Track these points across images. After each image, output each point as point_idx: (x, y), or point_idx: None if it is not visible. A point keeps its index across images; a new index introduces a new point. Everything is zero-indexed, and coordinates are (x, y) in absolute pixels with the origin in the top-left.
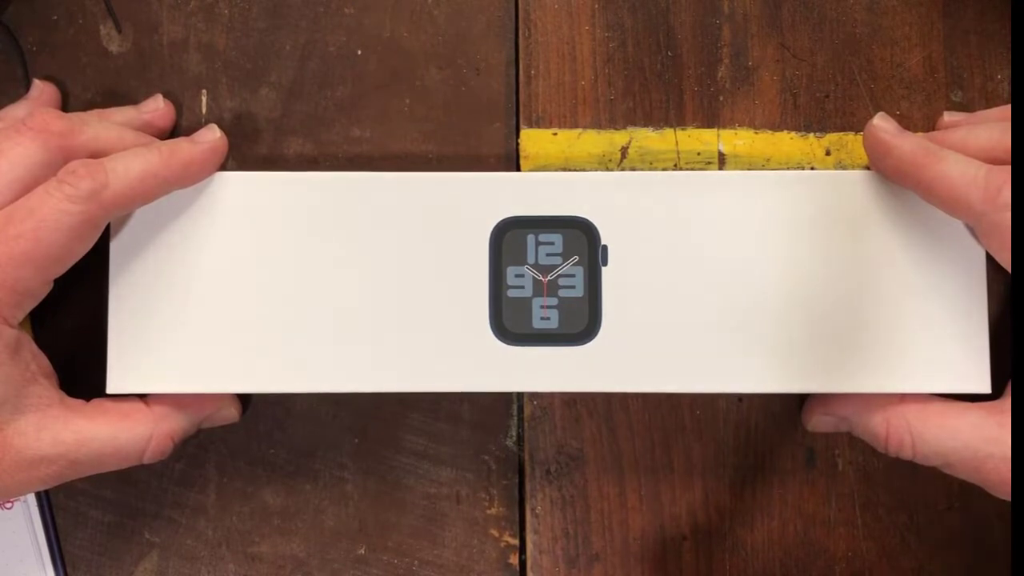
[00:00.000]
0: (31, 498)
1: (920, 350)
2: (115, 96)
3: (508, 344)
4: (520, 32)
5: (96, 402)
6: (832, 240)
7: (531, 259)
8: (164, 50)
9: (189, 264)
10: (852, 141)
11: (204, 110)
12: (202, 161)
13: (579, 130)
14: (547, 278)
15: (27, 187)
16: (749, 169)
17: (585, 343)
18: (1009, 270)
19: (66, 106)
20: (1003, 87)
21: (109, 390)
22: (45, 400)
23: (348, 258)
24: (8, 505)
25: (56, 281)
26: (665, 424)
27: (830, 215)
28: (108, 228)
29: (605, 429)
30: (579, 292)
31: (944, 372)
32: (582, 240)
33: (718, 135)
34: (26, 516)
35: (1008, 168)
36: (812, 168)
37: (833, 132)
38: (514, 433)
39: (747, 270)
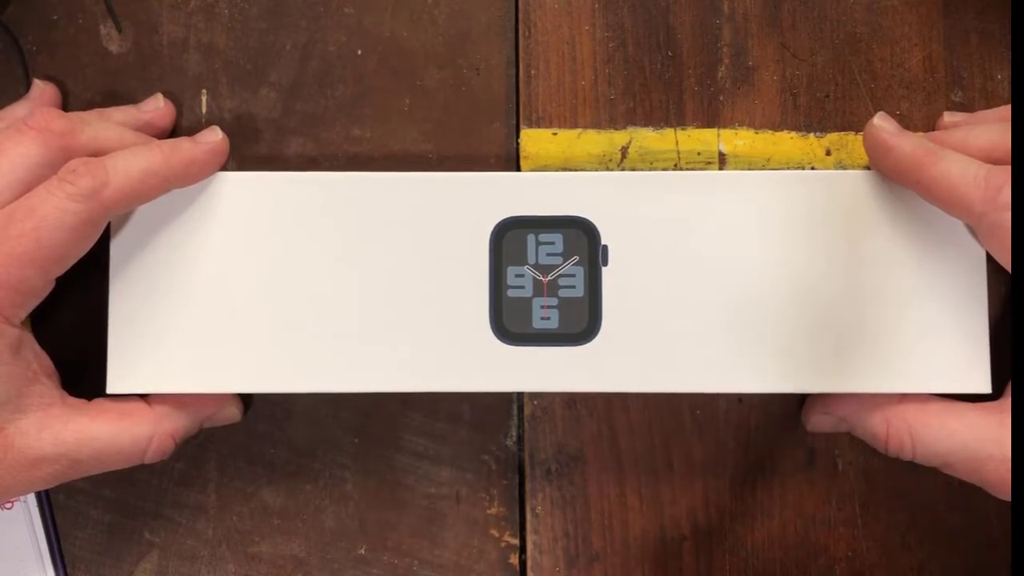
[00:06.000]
0: (31, 498)
1: (920, 350)
2: (115, 96)
3: (508, 344)
4: (520, 32)
5: (97, 402)
6: (832, 240)
7: (531, 259)
8: (164, 50)
9: (189, 264)
10: (852, 141)
11: (204, 110)
12: (203, 161)
13: (579, 130)
14: (547, 278)
15: (28, 186)
16: (749, 169)
17: (585, 343)
18: (1009, 270)
19: (66, 106)
20: (1003, 87)
21: (109, 390)
22: (47, 399)
23: (348, 258)
24: (8, 505)
25: (56, 280)
26: (665, 424)
27: (830, 215)
28: (108, 227)
29: (605, 429)
30: (579, 292)
31: (944, 372)
32: (582, 240)
33: (718, 135)
34: (26, 516)
35: (1008, 168)
36: (812, 168)
37: (833, 132)
38: (514, 433)
39: (747, 270)
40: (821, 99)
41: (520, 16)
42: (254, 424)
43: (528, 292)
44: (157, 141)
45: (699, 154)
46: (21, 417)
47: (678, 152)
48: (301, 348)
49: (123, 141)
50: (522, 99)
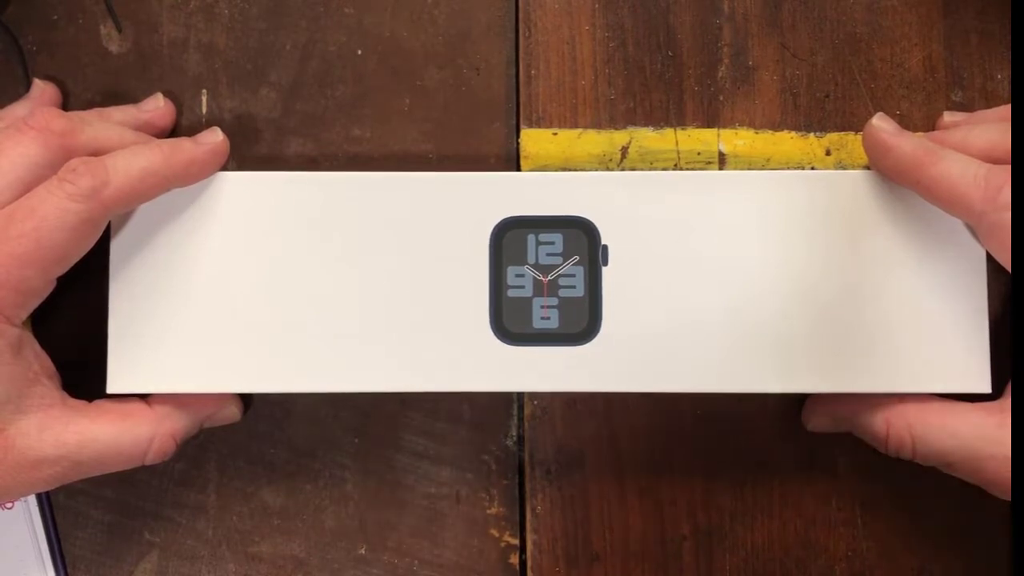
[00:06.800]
0: (31, 498)
1: (920, 350)
2: (115, 96)
3: (508, 344)
4: (520, 32)
5: (98, 403)
6: (832, 240)
7: (531, 259)
8: (164, 50)
9: (189, 264)
10: (852, 141)
11: (204, 110)
12: (203, 162)
13: (579, 130)
14: (547, 278)
15: (28, 186)
16: (749, 169)
17: (585, 343)
18: (1009, 270)
19: (66, 106)
20: (1003, 87)
21: (109, 390)
22: (48, 400)
23: (348, 258)
24: (8, 505)
25: (56, 280)
26: (665, 424)
27: (830, 215)
28: (108, 227)
29: (605, 429)
30: (579, 292)
31: (944, 372)
32: (582, 240)
33: (718, 135)
34: (26, 516)
35: (1008, 168)
36: (812, 168)
37: (833, 132)
38: (514, 433)
39: (747, 270)
40: (821, 99)
41: (520, 16)
42: (254, 424)
43: (528, 292)
44: (157, 141)
45: (699, 154)
46: (22, 418)
47: (678, 152)
48: (301, 348)
49: (123, 141)
50: (522, 99)
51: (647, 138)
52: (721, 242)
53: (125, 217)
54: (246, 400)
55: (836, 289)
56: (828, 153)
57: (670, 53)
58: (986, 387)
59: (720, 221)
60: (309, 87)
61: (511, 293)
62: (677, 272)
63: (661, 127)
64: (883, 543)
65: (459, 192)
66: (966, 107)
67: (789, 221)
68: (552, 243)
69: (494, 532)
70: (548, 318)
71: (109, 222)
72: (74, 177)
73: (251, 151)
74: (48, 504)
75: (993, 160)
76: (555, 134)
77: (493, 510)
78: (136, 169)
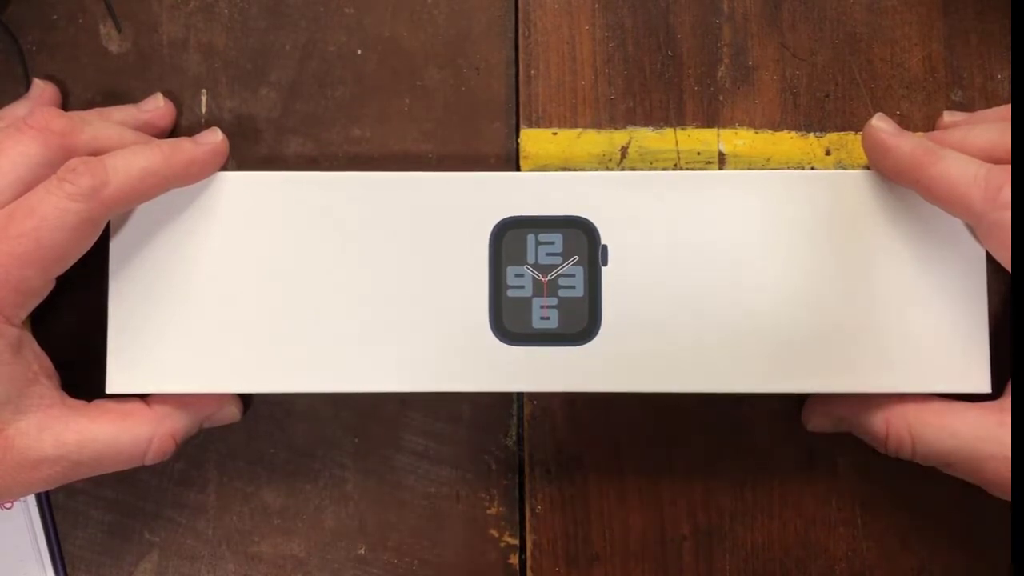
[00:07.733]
0: (31, 498)
1: (920, 350)
2: (115, 96)
3: (508, 344)
4: (520, 32)
5: (97, 403)
6: (832, 240)
7: (531, 259)
8: (164, 50)
9: (189, 263)
10: (852, 141)
11: (204, 110)
12: (203, 161)
13: (579, 130)
14: (547, 278)
15: (28, 186)
16: (749, 169)
17: (585, 343)
18: (1009, 270)
19: (66, 106)
20: (1003, 87)
21: (109, 390)
22: (47, 400)
23: (347, 258)
24: (8, 505)
25: (56, 280)
26: (665, 424)
27: (830, 215)
28: (108, 227)
29: (605, 429)
30: (579, 292)
31: (944, 372)
32: (582, 240)
33: (718, 135)
34: (26, 516)
35: (1008, 167)
36: (812, 168)
37: (833, 132)
38: (514, 433)
39: (747, 270)
40: (821, 99)
41: (520, 16)
42: (254, 424)
43: (528, 292)
44: (157, 141)
45: (699, 154)
46: (21, 418)
47: (678, 152)
48: (301, 348)
49: (123, 140)
50: (522, 99)
51: (647, 138)
52: (721, 242)
53: (125, 217)
54: (246, 400)
55: (836, 289)
56: (828, 153)
57: (670, 53)
58: (986, 387)
59: (720, 221)
60: (309, 87)
61: (511, 293)
62: (677, 272)
63: (661, 127)
64: (883, 543)
65: (459, 192)
66: (966, 107)
67: (789, 221)
68: (552, 243)
69: (494, 532)
70: (548, 318)
71: (109, 222)
72: (74, 177)
73: (251, 151)
74: (48, 504)
75: (993, 160)
76: (555, 134)
77: (493, 510)
78: (136, 169)
